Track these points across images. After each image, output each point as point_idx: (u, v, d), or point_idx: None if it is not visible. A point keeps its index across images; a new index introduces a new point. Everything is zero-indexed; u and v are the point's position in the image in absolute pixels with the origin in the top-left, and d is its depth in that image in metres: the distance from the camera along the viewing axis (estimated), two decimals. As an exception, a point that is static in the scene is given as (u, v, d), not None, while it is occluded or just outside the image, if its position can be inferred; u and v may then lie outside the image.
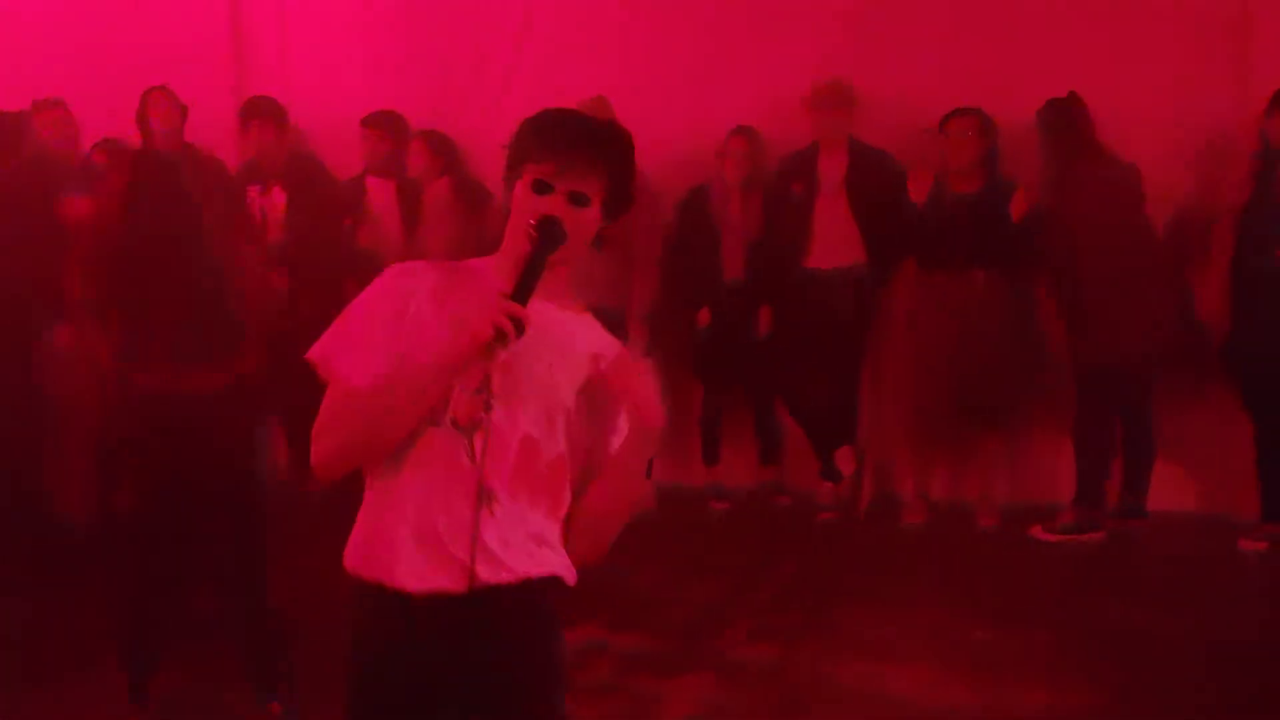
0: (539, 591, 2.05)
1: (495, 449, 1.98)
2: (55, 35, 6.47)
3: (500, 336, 1.90)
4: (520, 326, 1.91)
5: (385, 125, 6.16)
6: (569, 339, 2.08)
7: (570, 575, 2.10)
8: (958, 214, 5.42)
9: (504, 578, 2.00)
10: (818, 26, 5.84)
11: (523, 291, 1.95)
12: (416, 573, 1.99)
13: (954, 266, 5.43)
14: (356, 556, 2.06)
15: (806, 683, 4.08)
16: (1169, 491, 5.55)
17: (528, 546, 2.03)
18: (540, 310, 1.98)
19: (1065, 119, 5.29)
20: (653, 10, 6.12)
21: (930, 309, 5.51)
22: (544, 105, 5.99)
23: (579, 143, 2.06)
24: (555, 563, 2.07)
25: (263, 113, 6.16)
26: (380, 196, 6.22)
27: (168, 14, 6.56)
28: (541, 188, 2.06)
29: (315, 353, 2.09)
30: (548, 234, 2.01)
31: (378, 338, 2.04)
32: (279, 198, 6.16)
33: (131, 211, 3.82)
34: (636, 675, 4.07)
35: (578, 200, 2.03)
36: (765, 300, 5.75)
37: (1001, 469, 5.76)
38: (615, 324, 5.82)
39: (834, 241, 5.68)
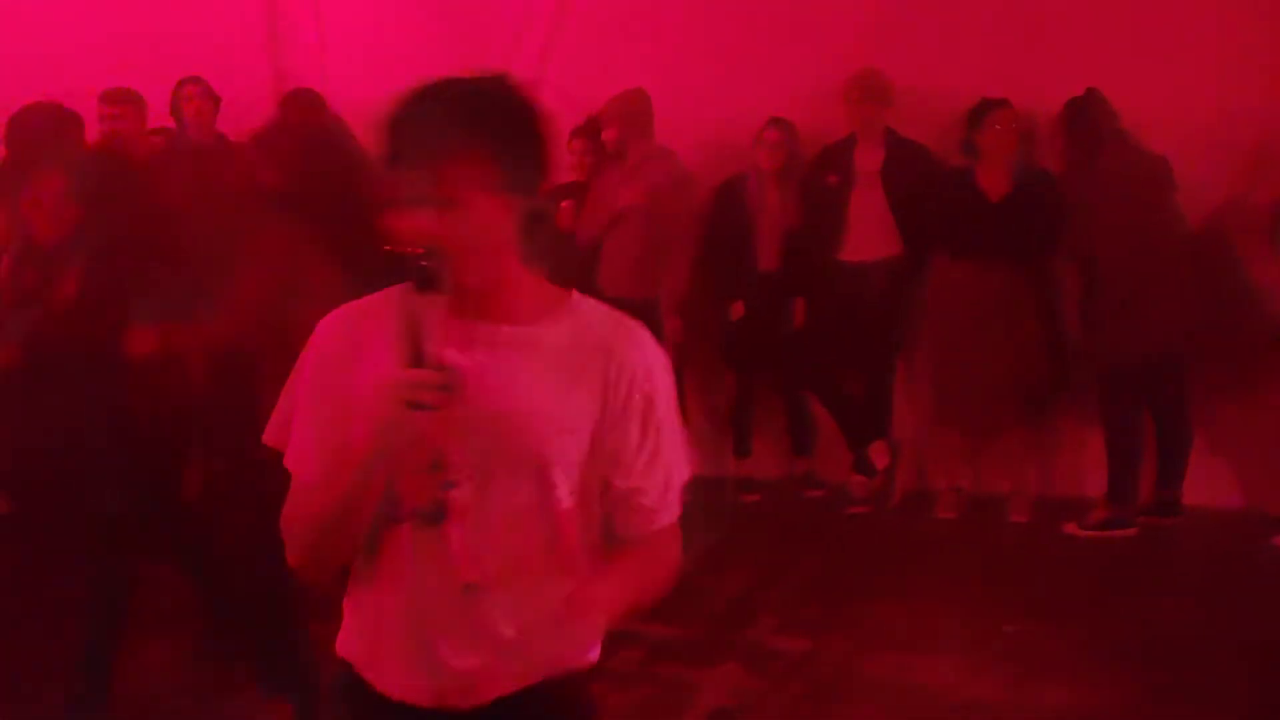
0: (567, 686, 1.71)
1: (475, 534, 1.61)
2: (94, 26, 6.53)
3: (423, 406, 1.52)
4: (449, 383, 1.54)
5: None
6: (548, 360, 1.67)
7: (598, 644, 1.72)
8: (990, 206, 5.40)
9: (519, 682, 1.65)
10: (855, 18, 5.82)
11: (412, 351, 1.54)
12: (415, 686, 1.66)
13: (986, 258, 5.41)
14: (349, 647, 1.74)
15: (836, 674, 4.09)
16: (1204, 486, 5.51)
17: (545, 634, 1.62)
18: (491, 336, 1.63)
19: (1084, 116, 5.26)
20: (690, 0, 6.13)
21: (963, 301, 5.49)
22: (579, 92, 5.94)
23: (424, 133, 1.60)
24: (582, 643, 1.69)
25: (302, 105, 6.20)
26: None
27: (204, 3, 6.62)
28: (399, 202, 1.59)
29: (267, 435, 1.74)
30: (418, 276, 1.57)
31: (315, 415, 1.67)
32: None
33: None
34: (666, 664, 4.09)
35: (449, 205, 1.58)
36: (800, 291, 5.75)
37: (1034, 463, 5.74)
38: (649, 314, 5.89)
39: (869, 233, 5.67)
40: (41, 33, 6.53)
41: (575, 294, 1.79)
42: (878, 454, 5.78)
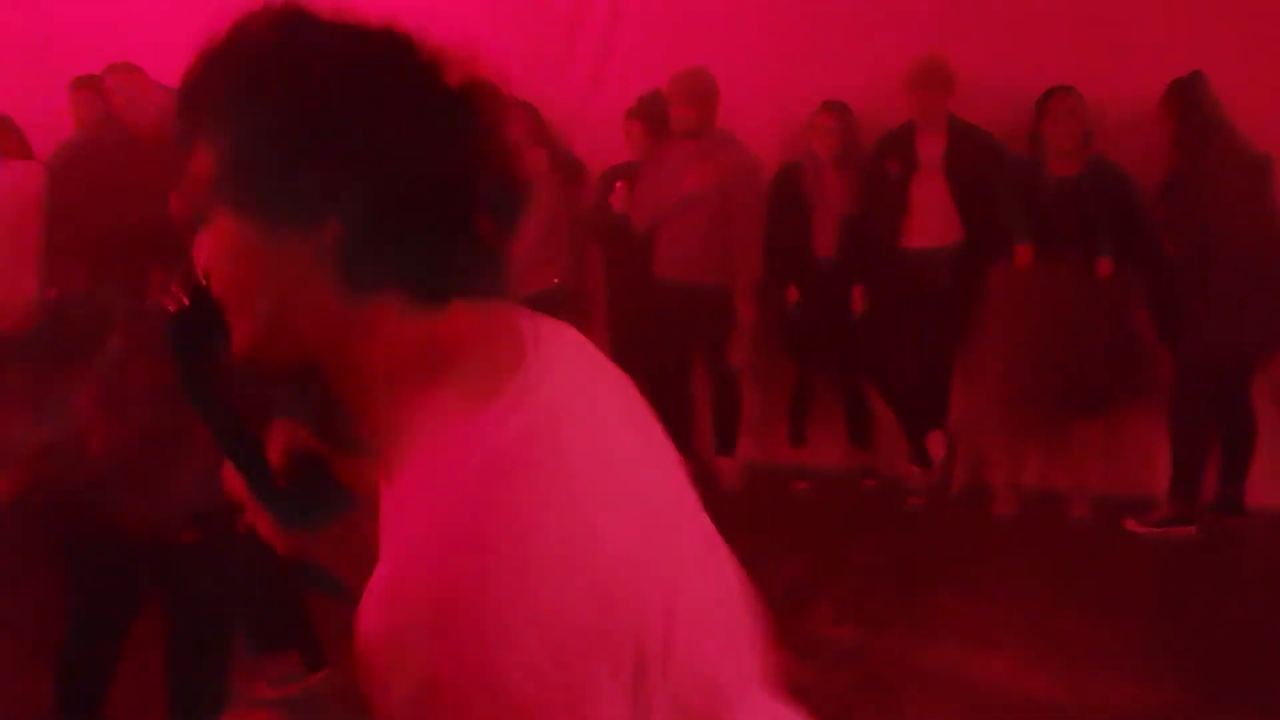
0: None
1: None
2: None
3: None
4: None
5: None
6: None
7: None
8: (1056, 196, 5.31)
9: None
10: (918, 4, 5.74)
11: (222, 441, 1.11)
12: None
13: (1052, 250, 5.32)
14: None
15: (890, 665, 4.05)
16: (1269, 486, 5.41)
17: None
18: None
19: (1190, 100, 5.11)
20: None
21: (1027, 294, 5.40)
22: (637, 77, 5.92)
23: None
24: None
25: None
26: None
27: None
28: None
29: None
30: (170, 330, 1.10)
31: None
32: None
33: None
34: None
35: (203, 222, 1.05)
36: (858, 279, 5.69)
37: (1095, 459, 5.65)
38: (718, 299, 5.88)
39: (931, 221, 5.60)
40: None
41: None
42: (935, 445, 5.73)
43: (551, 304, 6.60)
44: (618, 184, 5.92)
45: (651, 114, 5.91)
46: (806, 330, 5.79)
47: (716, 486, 5.92)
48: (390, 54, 1.10)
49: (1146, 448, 5.59)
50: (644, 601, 1.02)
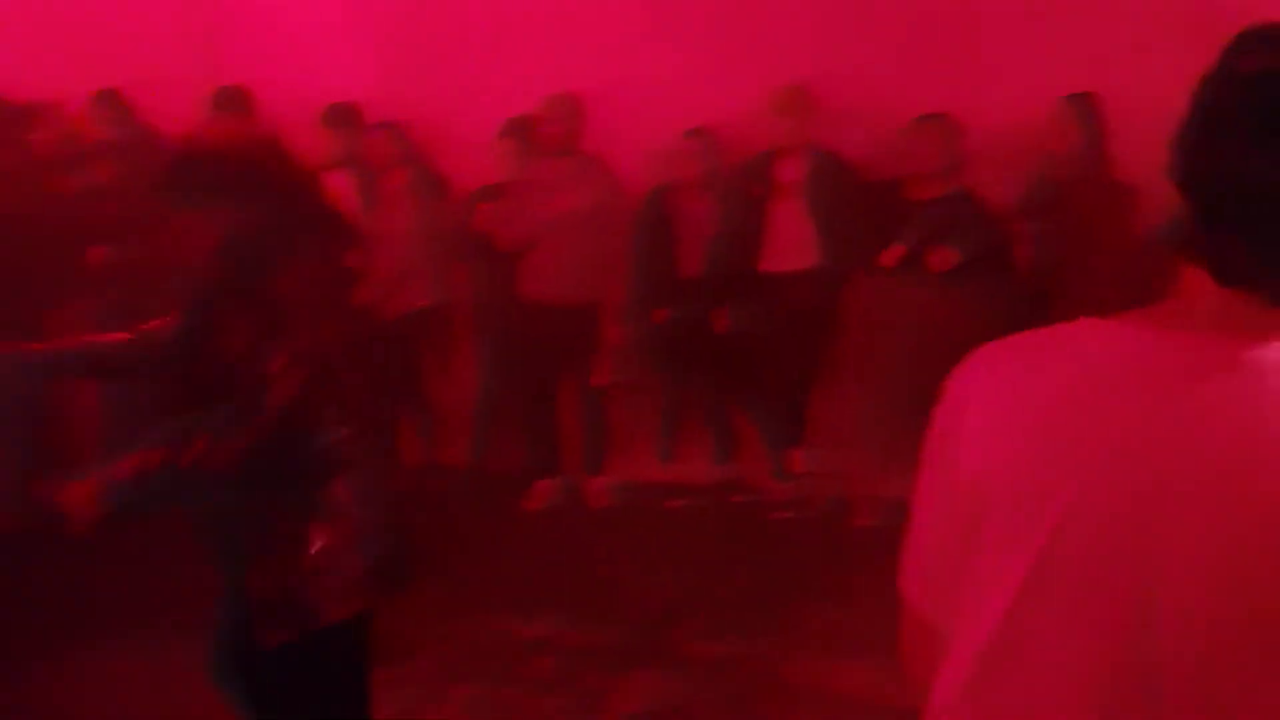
0: None
1: None
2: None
3: None
4: None
5: (343, 118, 6.14)
6: None
7: None
8: (921, 219, 5.46)
9: None
10: (784, 32, 5.87)
11: None
12: None
13: (914, 270, 5.48)
14: None
15: (759, 678, 4.11)
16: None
17: None
18: None
19: (1090, 116, 5.29)
20: (620, 6, 6.13)
21: (888, 312, 5.55)
22: (505, 99, 5.97)
23: None
24: None
25: (232, 103, 6.15)
26: (340, 189, 6.19)
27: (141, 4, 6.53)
28: None
29: None
30: None
31: None
32: None
33: None
34: (586, 670, 4.08)
35: None
36: (721, 299, 5.78)
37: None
38: (588, 320, 5.90)
39: (791, 244, 5.72)
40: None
41: None
42: (797, 461, 5.84)
43: (420, 324, 6.61)
44: (485, 205, 5.92)
45: (522, 134, 5.93)
46: (673, 350, 5.86)
47: (587, 506, 5.95)
48: None
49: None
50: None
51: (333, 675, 2.57)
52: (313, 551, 2.43)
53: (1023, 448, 1.24)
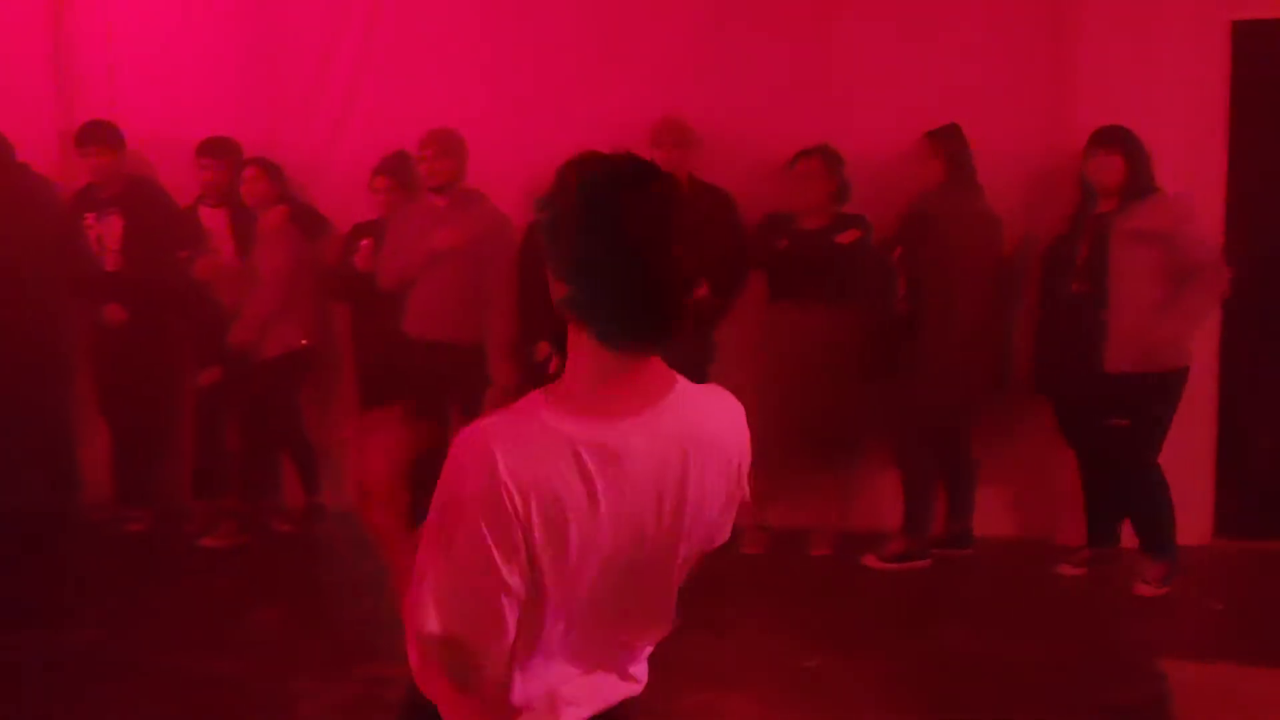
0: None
1: None
2: None
3: None
4: None
5: (217, 152, 6.03)
6: None
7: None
8: (804, 249, 5.54)
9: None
10: (662, 63, 5.93)
11: None
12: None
13: (800, 300, 5.55)
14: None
15: (644, 711, 4.08)
16: (993, 518, 5.76)
17: None
18: None
19: (954, 148, 5.42)
20: (494, 41, 6.13)
21: (776, 342, 5.62)
22: (380, 134, 6.10)
23: None
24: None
25: (99, 138, 6.00)
26: (214, 225, 6.08)
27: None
28: None
29: None
30: None
31: None
32: (116, 224, 6.00)
33: None
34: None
35: None
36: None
37: (836, 499, 5.89)
38: (474, 358, 5.84)
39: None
40: None
41: None
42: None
43: (299, 365, 6.51)
44: (363, 242, 5.86)
45: (399, 171, 5.89)
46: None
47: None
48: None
49: (878, 484, 5.86)
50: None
51: None
52: None
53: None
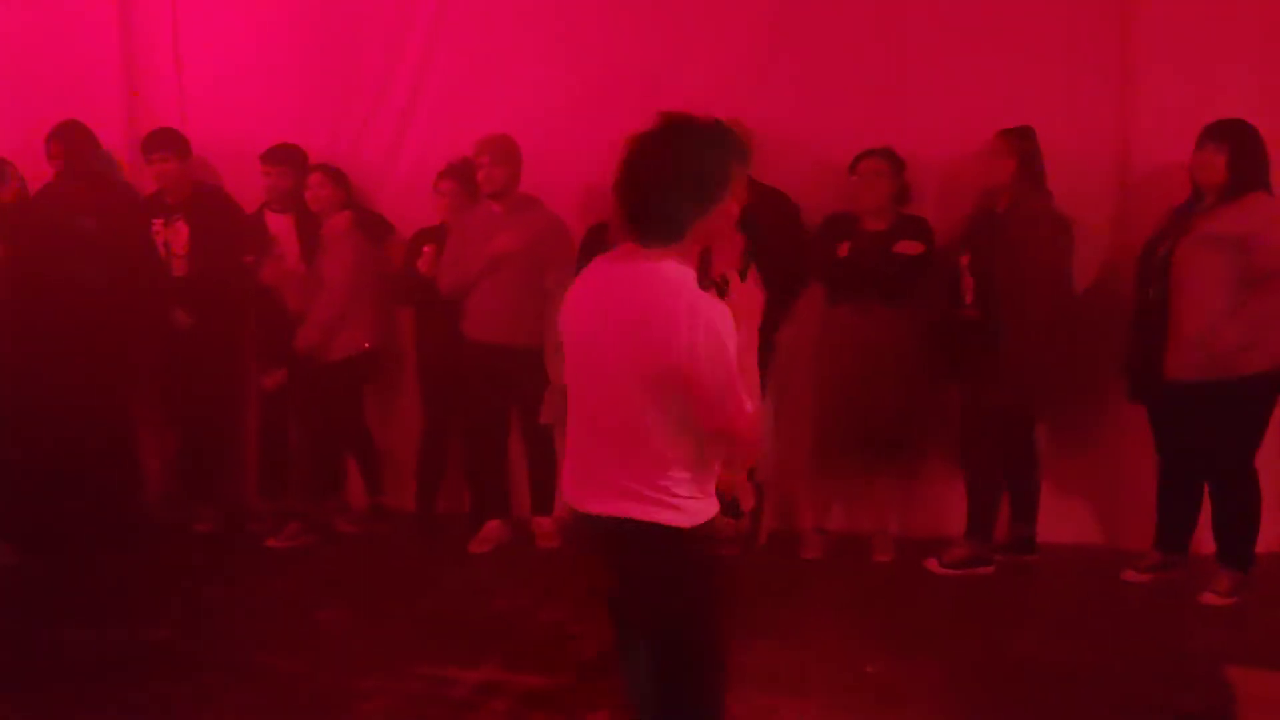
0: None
1: None
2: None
3: None
4: None
5: (283, 159, 6.12)
6: None
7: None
8: (867, 251, 5.52)
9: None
10: (720, 68, 5.93)
11: None
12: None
13: (861, 302, 5.53)
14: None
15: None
16: (1058, 524, 5.70)
17: None
18: None
19: (1028, 148, 5.32)
20: (555, 47, 6.16)
21: (835, 344, 5.60)
22: (442, 140, 6.30)
23: None
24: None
25: (166, 145, 6.12)
26: (280, 231, 6.17)
27: (58, 48, 6.45)
28: None
29: None
30: None
31: None
32: (182, 230, 6.11)
33: None
34: (534, 714, 4.06)
35: None
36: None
37: (897, 504, 5.86)
38: (533, 361, 5.88)
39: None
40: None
41: None
42: (744, 496, 5.83)
43: (362, 367, 6.60)
44: (425, 248, 5.92)
45: (463, 175, 5.94)
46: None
47: (535, 546, 5.92)
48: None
49: (943, 490, 5.82)
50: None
51: None
52: None
53: (565, 314, 2.84)
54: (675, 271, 2.67)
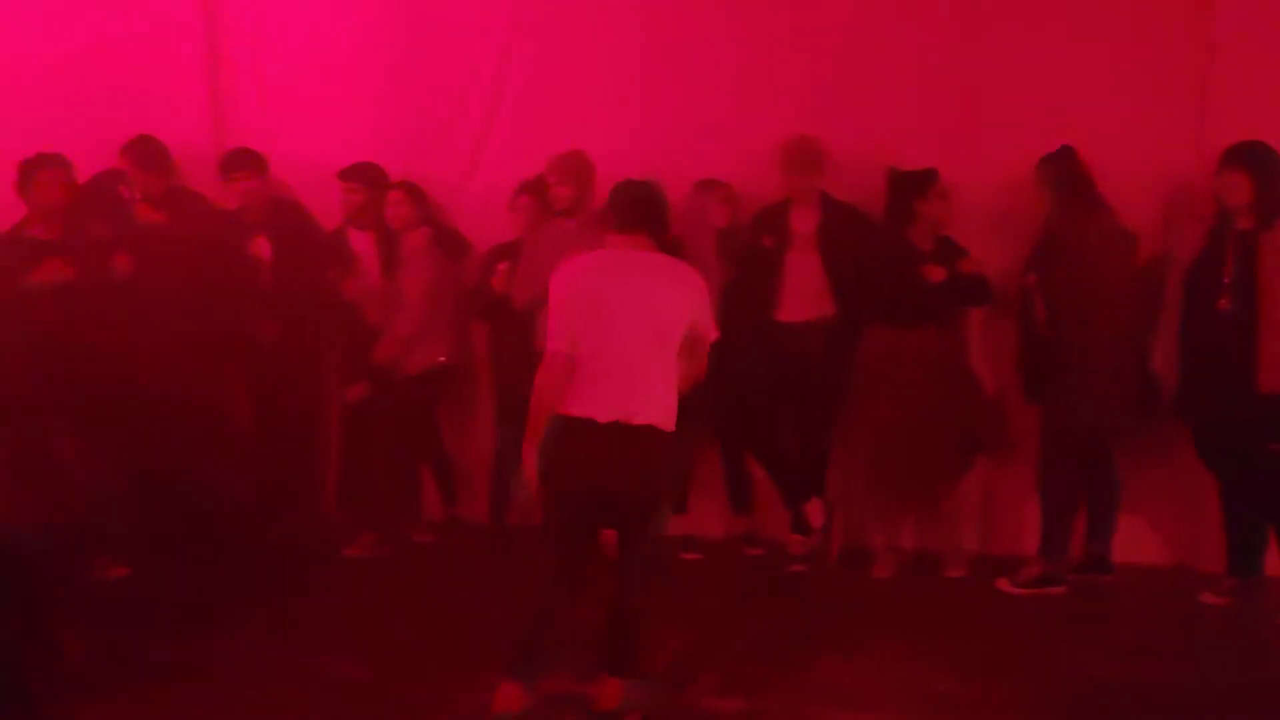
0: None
1: None
2: (32, 84, 6.48)
3: None
4: None
5: (363, 177, 6.24)
6: None
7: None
8: (921, 271, 5.52)
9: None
10: (794, 83, 5.96)
11: None
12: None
13: (918, 321, 5.52)
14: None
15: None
16: (1133, 544, 5.63)
17: None
18: None
19: (1063, 173, 5.34)
20: (630, 66, 6.23)
21: (896, 363, 5.59)
22: (518, 158, 6.76)
23: None
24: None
25: (245, 163, 6.26)
26: (361, 247, 6.29)
27: (144, 65, 6.61)
28: None
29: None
30: None
31: None
32: (264, 248, 6.23)
33: None
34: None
35: None
36: (736, 351, 5.79)
37: (969, 521, 5.82)
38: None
39: (805, 294, 5.77)
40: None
41: None
42: (814, 513, 5.84)
43: (439, 381, 6.70)
44: (500, 264, 5.98)
45: (540, 192, 6.00)
46: (686, 401, 5.87)
47: (604, 559, 5.95)
48: None
49: (1018, 509, 5.78)
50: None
51: None
52: None
53: (583, 284, 3.93)
54: (672, 259, 4.03)
